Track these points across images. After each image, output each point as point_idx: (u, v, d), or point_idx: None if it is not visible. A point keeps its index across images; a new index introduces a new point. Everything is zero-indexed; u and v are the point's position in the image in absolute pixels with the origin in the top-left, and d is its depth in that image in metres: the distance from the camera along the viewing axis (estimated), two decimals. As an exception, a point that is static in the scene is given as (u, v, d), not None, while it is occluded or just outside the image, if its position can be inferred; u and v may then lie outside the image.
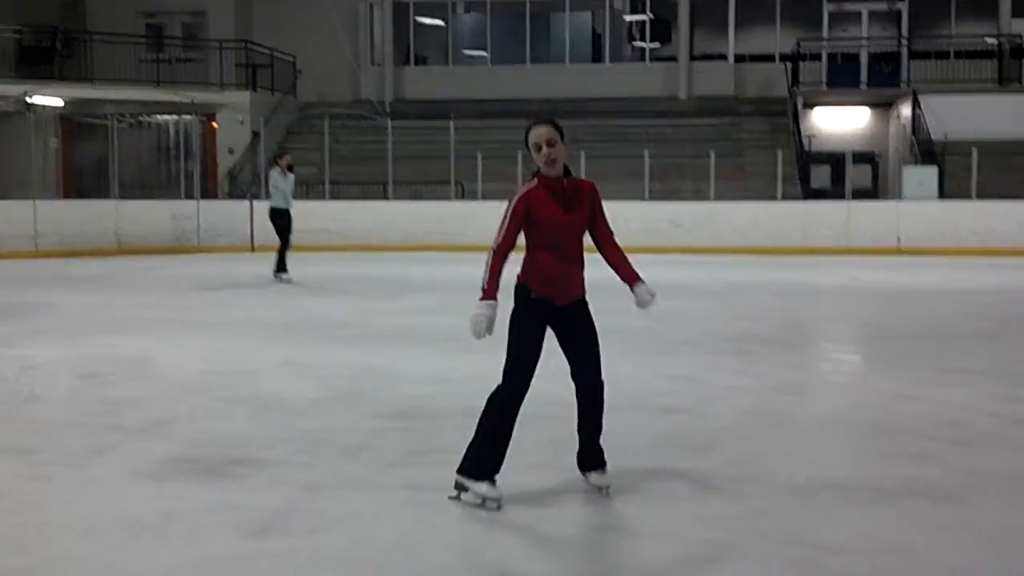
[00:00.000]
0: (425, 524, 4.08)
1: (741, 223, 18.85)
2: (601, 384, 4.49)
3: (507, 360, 4.38)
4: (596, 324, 4.46)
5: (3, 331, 9.40)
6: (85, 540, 3.92)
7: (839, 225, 18.65)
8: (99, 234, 18.51)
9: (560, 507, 4.31)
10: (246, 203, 19.65)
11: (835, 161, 22.97)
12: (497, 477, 4.33)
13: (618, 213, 17.43)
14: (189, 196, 20.35)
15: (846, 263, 16.59)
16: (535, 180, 4.36)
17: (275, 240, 13.75)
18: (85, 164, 23.55)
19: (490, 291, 4.29)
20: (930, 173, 19.90)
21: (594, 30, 26.99)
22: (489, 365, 7.46)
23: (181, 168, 21.88)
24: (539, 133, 4.32)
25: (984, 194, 18.58)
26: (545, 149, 4.29)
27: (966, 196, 18.75)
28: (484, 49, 26.99)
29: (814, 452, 5.24)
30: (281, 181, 13.48)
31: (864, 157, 23.94)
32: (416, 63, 27.30)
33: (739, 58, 25.67)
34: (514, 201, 4.36)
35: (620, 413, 5.97)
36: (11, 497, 4.45)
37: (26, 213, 17.98)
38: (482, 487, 4.28)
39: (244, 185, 21.81)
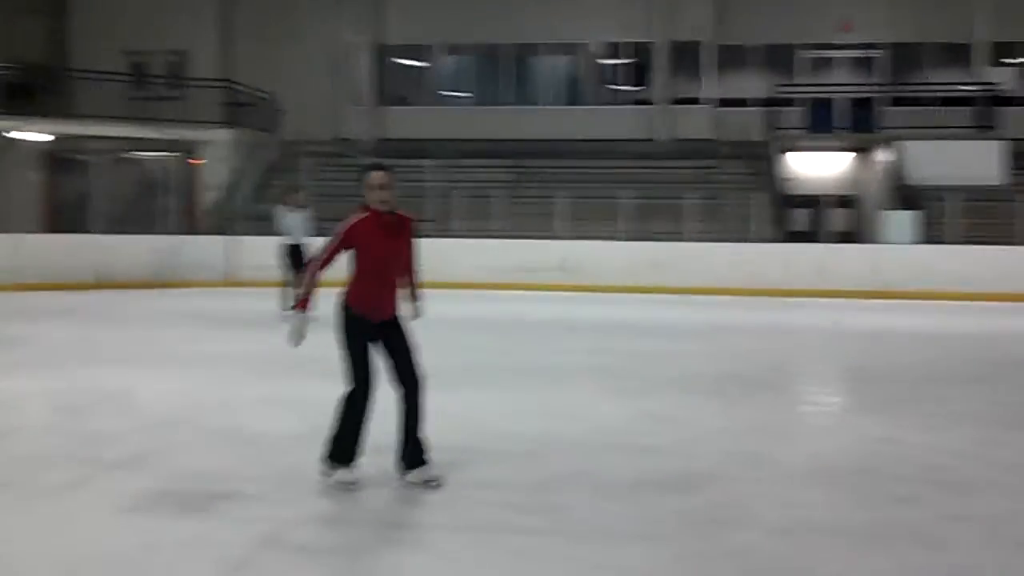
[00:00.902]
0: (403, 560, 4.07)
1: (720, 264, 18.97)
2: (420, 387, 5.06)
3: (346, 367, 5.00)
4: (411, 340, 5.09)
5: (-22, 364, 9.31)
6: (63, 573, 3.87)
7: (818, 268, 18.80)
8: (79, 268, 18.44)
9: (539, 545, 4.29)
10: (225, 239, 19.65)
11: (813, 205, 23.19)
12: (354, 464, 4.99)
13: (596, 252, 17.53)
14: (169, 232, 20.34)
15: (826, 305, 16.69)
16: (366, 213, 5.00)
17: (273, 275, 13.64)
18: (67, 199, 23.51)
19: (301, 303, 5.01)
20: (909, 218, 20.12)
21: (572, 73, 27.32)
22: (464, 400, 7.51)
23: (163, 204, 21.86)
24: (378, 177, 5.03)
25: (961, 239, 18.80)
26: (381, 191, 4.99)
27: (944, 241, 18.98)
28: (466, 90, 27.22)
29: (795, 495, 5.22)
30: (287, 217, 13.53)
31: (843, 201, 24.19)
32: (398, 103, 27.47)
33: (718, 102, 25.98)
34: (342, 227, 5.00)
35: (601, 452, 5.99)
36: (-13, 531, 4.40)
37: (7, 246, 17.93)
38: (343, 472, 4.99)
39: (224, 221, 21.79)
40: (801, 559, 4.18)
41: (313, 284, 4.99)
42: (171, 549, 4.14)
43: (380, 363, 5.06)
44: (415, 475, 5.07)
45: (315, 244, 13.20)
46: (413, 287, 5.32)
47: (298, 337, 4.98)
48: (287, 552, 4.15)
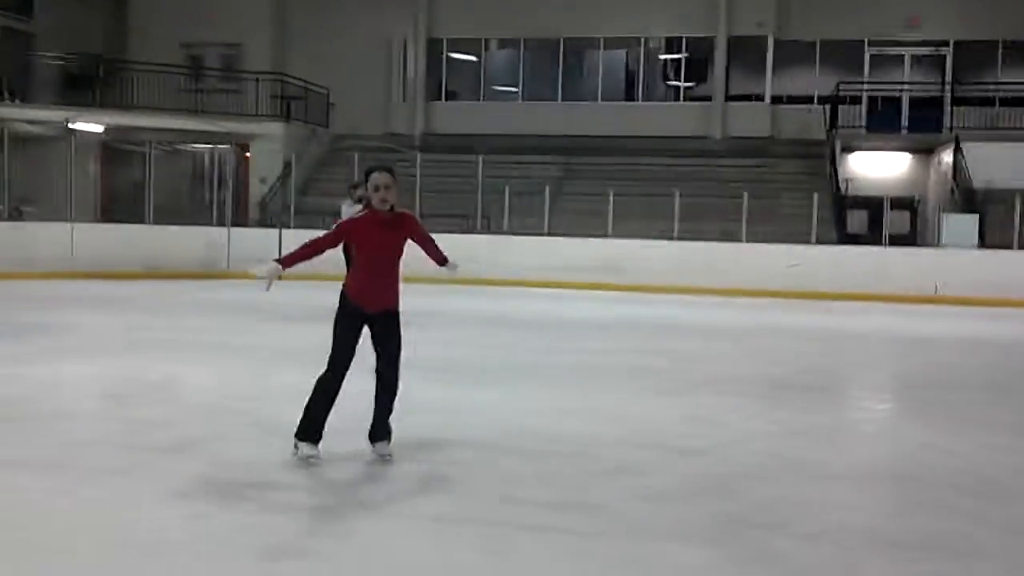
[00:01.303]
0: (441, 551, 4.07)
1: (772, 266, 18.69)
2: (396, 378, 5.49)
3: (331, 350, 5.38)
4: (398, 338, 5.53)
5: (33, 349, 9.49)
6: (109, 557, 3.93)
7: (875, 271, 18.44)
8: (132, 257, 18.74)
9: (576, 544, 4.25)
10: (275, 232, 19.81)
11: (872, 206, 22.76)
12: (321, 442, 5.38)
13: (645, 252, 17.36)
14: (220, 223, 20.56)
15: (880, 310, 16.38)
16: (366, 212, 5.35)
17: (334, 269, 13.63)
18: (122, 189, 23.91)
19: (285, 260, 5.33)
20: (970, 221, 19.64)
21: (628, 68, 27.05)
22: (502, 400, 7.48)
23: (214, 195, 22.12)
24: (380, 178, 5.26)
25: (1024, 244, 18.32)
26: (382, 192, 5.25)
27: (1007, 246, 18.48)
28: (516, 85, 27.15)
29: (836, 500, 5.14)
30: (348, 211, 13.52)
31: (903, 203, 23.71)
32: (448, 98, 27.49)
33: (776, 99, 25.57)
34: (342, 222, 5.55)
35: (642, 453, 5.92)
36: (37, 514, 4.47)
37: (63, 235, 18.28)
38: (306, 447, 5.35)
39: (274, 214, 21.98)
40: (839, 566, 4.10)
41: (304, 256, 5.34)
42: (215, 535, 4.18)
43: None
44: (377, 448, 5.51)
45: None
46: (441, 256, 5.97)
47: (267, 282, 5.33)
48: (326, 540, 4.16)
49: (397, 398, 5.55)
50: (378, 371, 5.48)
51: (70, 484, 4.93)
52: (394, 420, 6.18)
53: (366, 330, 5.44)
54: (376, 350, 5.46)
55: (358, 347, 5.43)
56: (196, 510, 4.52)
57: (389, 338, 5.47)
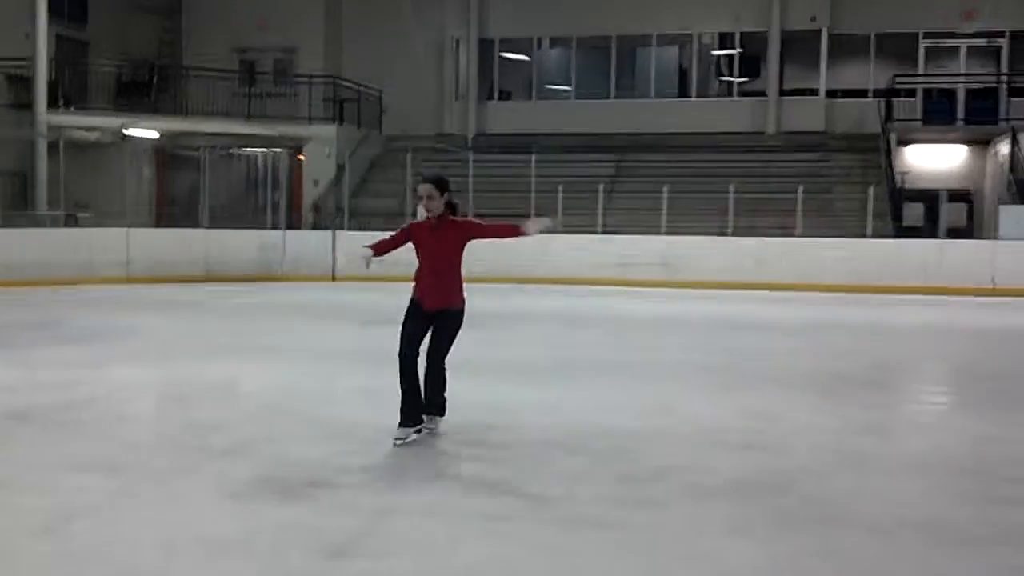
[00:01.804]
0: (497, 550, 4.09)
1: (827, 260, 18.49)
2: (436, 368, 5.97)
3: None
4: (449, 334, 6.01)
5: (95, 352, 9.70)
6: (169, 556, 4.01)
7: (932, 263, 18.17)
8: (189, 261, 19.00)
9: (632, 539, 4.26)
10: (329, 234, 20.01)
11: (928, 199, 22.41)
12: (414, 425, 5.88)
13: (699, 248, 17.33)
14: (275, 226, 20.79)
15: (938, 303, 16.14)
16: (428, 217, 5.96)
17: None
18: (177, 194, 24.28)
19: (375, 247, 6.12)
20: (1028, 213, 19.29)
21: (680, 65, 26.88)
22: (561, 395, 7.51)
23: (268, 199, 22.38)
24: (421, 189, 5.92)
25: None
26: (424, 201, 5.89)
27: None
28: (568, 84, 27.11)
29: (896, 492, 5.10)
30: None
31: (959, 195, 23.30)
32: (500, 98, 27.54)
33: (830, 93, 25.27)
34: (410, 223, 6.29)
35: (697, 447, 5.92)
36: (100, 512, 4.58)
37: (120, 240, 18.57)
38: (397, 431, 5.84)
39: (328, 216, 22.20)
40: (899, 559, 4.07)
41: (385, 245, 6.14)
42: (272, 534, 4.23)
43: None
44: (424, 421, 6.00)
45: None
46: (510, 228, 6.11)
47: (365, 261, 6.12)
48: (383, 541, 4.20)
49: (448, 391, 6.06)
50: (427, 359, 5.98)
51: (132, 485, 5.03)
52: (451, 417, 6.27)
53: None
54: (429, 340, 5.97)
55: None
56: (254, 509, 4.59)
57: (440, 333, 5.96)
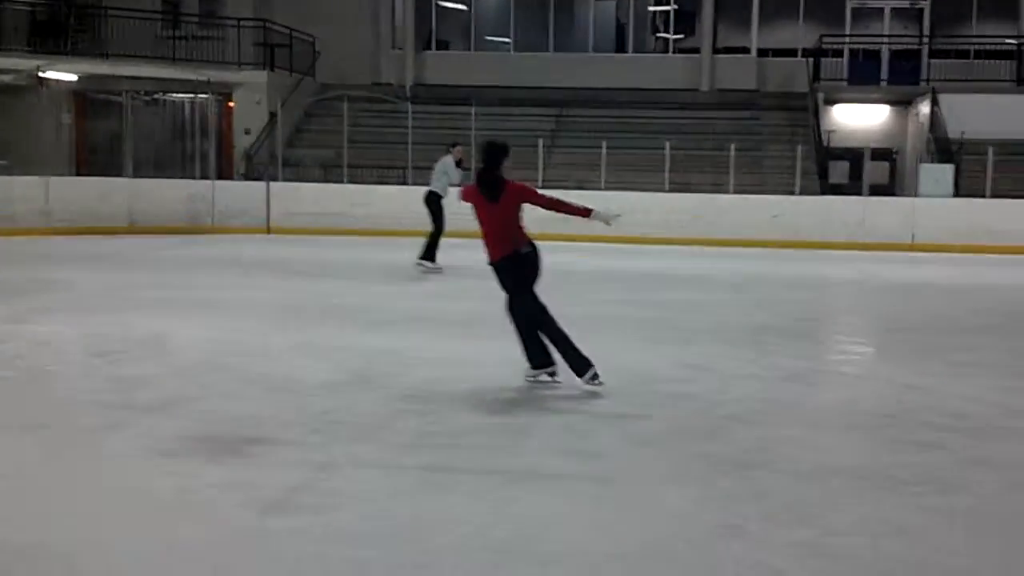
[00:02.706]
0: (438, 503, 4.11)
1: (758, 216, 18.77)
2: (518, 315, 6.31)
3: None
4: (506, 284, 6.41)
5: (17, 307, 9.41)
6: (98, 514, 3.96)
7: (855, 220, 18.58)
8: (112, 212, 18.44)
9: (571, 488, 4.33)
10: (262, 184, 19.66)
11: (853, 157, 22.86)
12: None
13: (637, 204, 17.49)
14: (204, 176, 20.31)
15: (861, 258, 16.53)
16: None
17: (420, 225, 13.29)
18: (99, 141, 23.43)
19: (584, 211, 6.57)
20: (946, 171, 19.80)
21: (618, 20, 26.86)
22: (501, 348, 7.52)
23: (196, 147, 21.84)
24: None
25: (998, 193, 18.50)
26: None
27: (981, 195, 18.68)
28: (507, 36, 26.89)
29: (822, 439, 5.29)
30: (452, 168, 13.05)
31: (882, 154, 23.81)
32: (438, 48, 27.21)
33: (762, 52, 25.52)
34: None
35: (634, 398, 6.02)
36: (23, 473, 4.49)
37: (38, 189, 17.88)
38: (531, 373, 6.25)
39: (260, 166, 21.79)
40: (825, 501, 4.23)
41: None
42: (204, 492, 4.19)
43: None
44: (527, 373, 6.24)
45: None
46: (569, 207, 6.51)
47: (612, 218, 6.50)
48: (321, 496, 4.19)
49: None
50: None
51: (59, 443, 4.94)
52: (390, 371, 6.27)
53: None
54: None
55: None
56: (187, 467, 4.53)
57: (504, 287, 6.35)
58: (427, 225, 13.03)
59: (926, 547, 3.72)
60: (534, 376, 6.21)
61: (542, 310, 6.20)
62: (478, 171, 6.36)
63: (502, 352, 7.45)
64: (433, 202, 13.03)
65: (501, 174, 6.25)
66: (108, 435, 5.08)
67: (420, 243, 13.02)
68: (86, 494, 4.20)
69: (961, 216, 18.37)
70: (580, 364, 6.04)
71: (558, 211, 6.46)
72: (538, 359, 6.19)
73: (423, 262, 12.87)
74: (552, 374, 6.18)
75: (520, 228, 6.29)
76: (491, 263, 6.32)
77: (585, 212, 6.45)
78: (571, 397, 5.95)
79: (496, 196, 6.19)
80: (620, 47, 26.62)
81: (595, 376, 6.01)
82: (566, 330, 6.15)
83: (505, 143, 6.41)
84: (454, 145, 13.45)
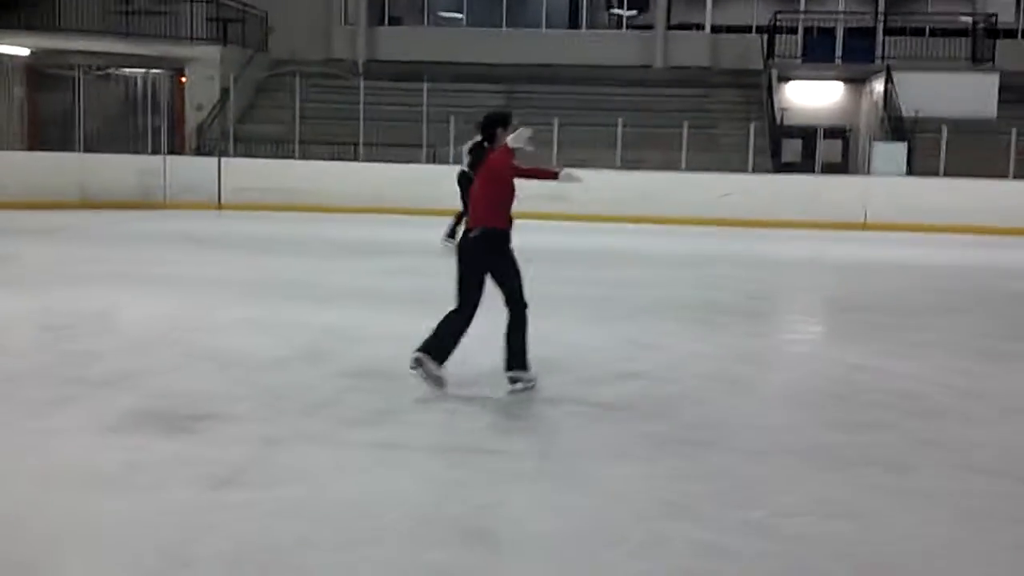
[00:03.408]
0: (385, 480, 4.12)
1: (709, 195, 18.91)
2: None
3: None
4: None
5: (-36, 281, 9.31)
6: (45, 489, 3.93)
7: (808, 198, 18.76)
8: (63, 187, 18.25)
9: (519, 466, 4.36)
10: (214, 160, 19.47)
11: (807, 135, 23.08)
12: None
13: (588, 182, 17.42)
14: (156, 151, 20.11)
15: (813, 236, 16.71)
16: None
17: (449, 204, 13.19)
18: (51, 115, 23.13)
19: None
20: (899, 149, 20.03)
21: (570, -4, 26.83)
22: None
23: (148, 123, 21.58)
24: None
25: (952, 172, 18.75)
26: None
27: (934, 173, 18.93)
28: (460, 11, 26.75)
29: (771, 418, 5.33)
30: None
31: (835, 132, 24.07)
32: (390, 23, 27.01)
33: (715, 28, 25.60)
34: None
35: (581, 376, 6.06)
36: (-30, 445, 4.44)
37: (-12, 163, 17.72)
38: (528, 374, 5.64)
39: (212, 142, 21.56)
40: (774, 480, 4.27)
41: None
42: (155, 467, 4.18)
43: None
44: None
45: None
46: (541, 173, 6.23)
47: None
48: (269, 471, 4.20)
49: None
50: None
51: (5, 417, 4.90)
52: (337, 347, 6.27)
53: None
54: None
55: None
56: (134, 441, 4.52)
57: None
58: (444, 204, 12.81)
59: (876, 527, 3.76)
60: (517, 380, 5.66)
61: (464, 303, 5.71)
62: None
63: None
64: (466, 183, 12.87)
65: (486, 144, 5.87)
66: (57, 409, 5.04)
67: (367, 219, 12.95)
68: (34, 467, 4.17)
69: (914, 195, 18.61)
70: (439, 353, 5.50)
71: (529, 178, 6.12)
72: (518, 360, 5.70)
73: (449, 241, 12.74)
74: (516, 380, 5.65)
75: (485, 206, 5.67)
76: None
77: (554, 175, 6.25)
78: (514, 378, 5.97)
79: (477, 168, 5.95)
80: (574, 23, 26.60)
81: (418, 364, 5.43)
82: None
83: (502, 112, 5.94)
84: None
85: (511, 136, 5.60)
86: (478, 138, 12.75)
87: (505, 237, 5.67)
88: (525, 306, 5.70)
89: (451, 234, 12.89)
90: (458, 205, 12.80)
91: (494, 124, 5.77)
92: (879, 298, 10.15)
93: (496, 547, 3.49)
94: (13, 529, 3.54)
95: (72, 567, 3.30)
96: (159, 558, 3.31)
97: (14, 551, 3.36)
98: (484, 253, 5.63)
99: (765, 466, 4.45)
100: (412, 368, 5.42)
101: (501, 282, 5.68)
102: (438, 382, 5.42)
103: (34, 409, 5.05)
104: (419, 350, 5.44)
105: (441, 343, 5.50)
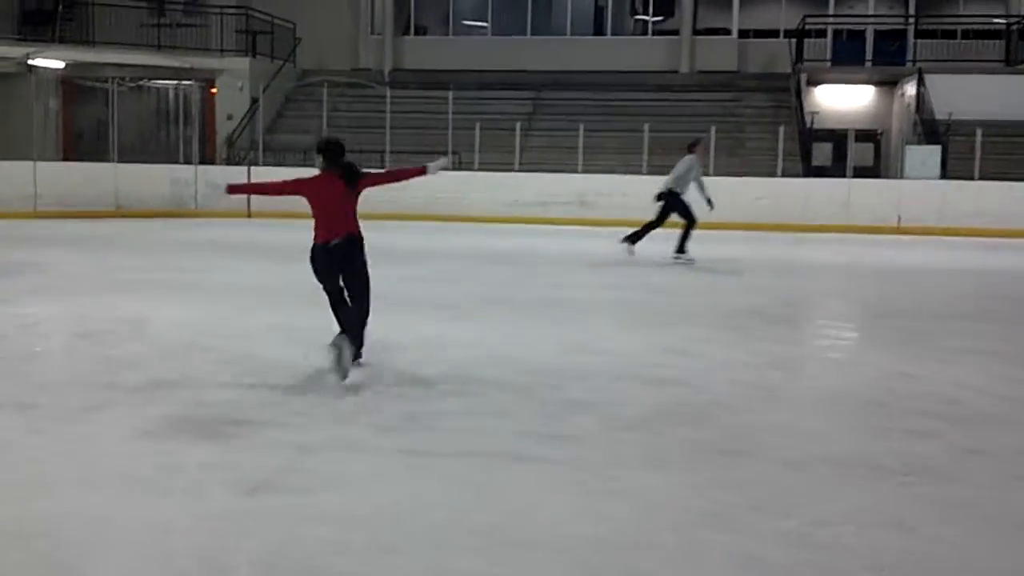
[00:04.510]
0: (418, 486, 4.10)
1: (740, 199, 18.79)
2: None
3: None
4: None
5: (3, 289, 9.43)
6: (83, 494, 3.95)
7: (840, 203, 18.61)
8: (98, 196, 18.51)
9: (552, 473, 4.33)
10: (243, 169, 19.61)
11: (837, 139, 22.91)
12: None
13: (615, 187, 17.52)
14: (188, 161, 20.31)
15: (846, 241, 16.57)
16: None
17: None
18: (85, 127, 23.48)
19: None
20: (933, 153, 19.83)
21: (596, 2, 26.79)
22: (481, 332, 7.55)
23: (180, 133, 21.81)
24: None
25: (986, 175, 18.53)
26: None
27: (968, 177, 18.70)
28: (485, 20, 26.81)
29: (809, 427, 5.23)
30: (697, 167, 12.99)
31: (867, 136, 23.86)
32: (416, 33, 27.12)
33: (743, 33, 25.49)
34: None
35: (614, 383, 6.01)
36: (10, 451, 4.48)
37: (26, 174, 18.02)
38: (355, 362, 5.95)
39: (242, 151, 21.74)
40: (811, 490, 4.19)
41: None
42: (190, 472, 4.19)
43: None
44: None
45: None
46: (407, 172, 6.60)
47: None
48: (303, 477, 4.20)
49: (369, 327, 6.28)
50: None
51: (44, 423, 4.93)
52: (373, 354, 6.28)
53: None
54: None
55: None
56: (170, 448, 4.53)
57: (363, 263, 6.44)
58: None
59: (917, 538, 3.66)
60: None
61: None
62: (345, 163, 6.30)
63: (483, 335, 7.49)
64: (676, 201, 12.86)
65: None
66: (94, 415, 5.07)
67: (393, 227, 13.02)
68: (73, 471, 4.20)
69: (948, 199, 18.41)
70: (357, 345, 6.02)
71: (397, 181, 6.61)
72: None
73: (679, 255, 12.85)
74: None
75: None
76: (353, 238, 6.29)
77: (421, 170, 6.49)
78: (551, 385, 5.94)
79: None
80: (599, 30, 26.57)
81: (337, 352, 5.70)
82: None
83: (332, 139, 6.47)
84: (696, 143, 13.36)
85: (432, 164, 6.43)
86: (687, 157, 12.76)
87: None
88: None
89: (681, 249, 12.90)
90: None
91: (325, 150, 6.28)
92: (916, 303, 10.03)
93: (530, 554, 3.46)
94: (53, 531, 3.56)
95: (109, 569, 3.31)
96: (194, 562, 3.31)
97: (54, 553, 3.38)
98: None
99: (802, 475, 4.37)
100: (331, 350, 5.69)
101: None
102: (344, 373, 5.66)
103: (72, 415, 5.08)
104: (342, 336, 5.80)
105: (358, 337, 6.02)
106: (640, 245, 12.99)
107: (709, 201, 12.96)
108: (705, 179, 13.36)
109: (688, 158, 13.02)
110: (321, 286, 6.26)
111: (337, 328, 6.02)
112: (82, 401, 5.35)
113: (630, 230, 13.14)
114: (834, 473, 4.40)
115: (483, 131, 20.04)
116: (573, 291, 10.21)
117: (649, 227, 13.06)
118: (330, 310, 6.25)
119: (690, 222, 12.90)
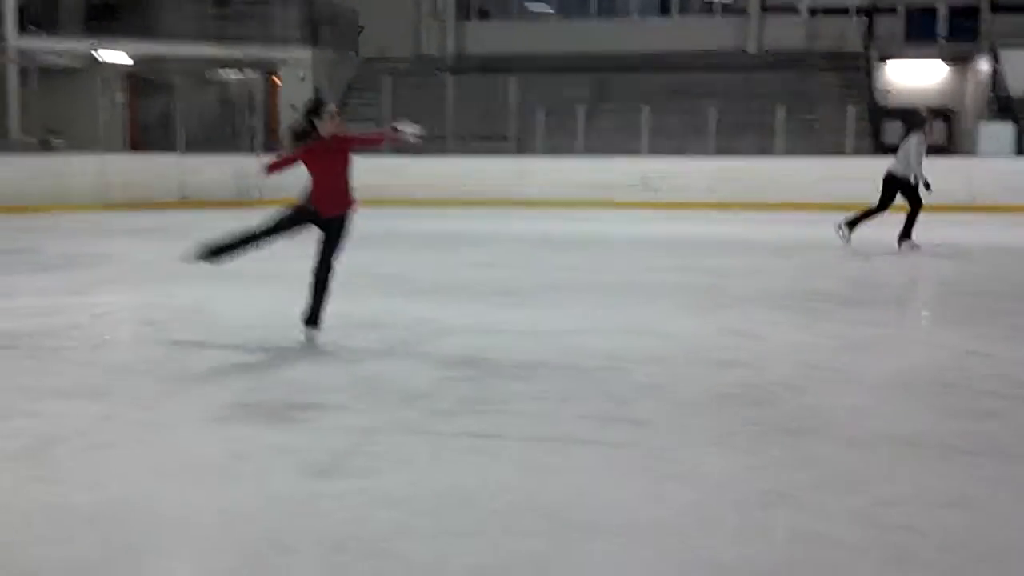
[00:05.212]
0: (481, 470, 4.10)
1: (810, 179, 18.50)
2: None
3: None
4: None
5: (75, 279, 9.65)
6: (156, 479, 4.02)
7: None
8: (163, 187, 18.84)
9: (616, 456, 4.30)
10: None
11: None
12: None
13: (681, 169, 17.32)
14: (252, 152, 20.57)
15: (918, 219, 16.19)
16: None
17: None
18: (150, 119, 23.91)
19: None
20: (1007, 129, 19.31)
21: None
22: (545, 316, 7.53)
23: (244, 124, 22.09)
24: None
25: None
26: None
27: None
28: (548, 3, 26.68)
29: (877, 407, 5.14)
30: (922, 144, 12.60)
31: (939, 113, 23.28)
32: (479, 17, 27.09)
33: (812, 11, 25.03)
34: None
35: (681, 366, 5.96)
36: (85, 437, 4.56)
37: (94, 166, 18.37)
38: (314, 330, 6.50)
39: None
40: (877, 469, 4.12)
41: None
42: (259, 456, 4.24)
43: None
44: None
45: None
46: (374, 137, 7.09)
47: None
48: (368, 460, 4.22)
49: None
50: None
51: (116, 410, 5.02)
52: (436, 337, 6.28)
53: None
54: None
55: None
56: (238, 432, 4.60)
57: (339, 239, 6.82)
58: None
59: (985, 518, 3.58)
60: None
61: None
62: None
63: (547, 320, 7.48)
64: (907, 186, 12.69)
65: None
66: (165, 402, 5.17)
67: (456, 212, 13.03)
68: (143, 457, 4.27)
69: (1022, 176, 17.92)
70: (221, 249, 6.82)
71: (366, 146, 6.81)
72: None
73: (905, 241, 12.65)
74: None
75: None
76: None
77: (391, 132, 6.65)
78: (612, 367, 5.91)
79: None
80: (664, 10, 26.29)
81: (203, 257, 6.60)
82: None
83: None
84: (922, 120, 12.89)
85: (403, 123, 6.51)
86: (914, 136, 12.08)
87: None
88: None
89: (906, 235, 12.58)
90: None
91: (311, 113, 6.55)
92: (989, 282, 9.79)
93: (593, 536, 3.43)
94: (123, 515, 3.62)
95: (178, 552, 3.37)
96: (263, 544, 3.34)
97: (124, 537, 3.43)
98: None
99: (869, 454, 4.29)
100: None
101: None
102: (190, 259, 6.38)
103: (142, 401, 5.18)
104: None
105: (230, 244, 6.70)
106: (702, 228, 12.84)
107: (927, 184, 12.49)
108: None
109: (912, 138, 12.55)
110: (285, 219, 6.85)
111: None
112: (153, 388, 5.45)
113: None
114: (901, 452, 4.33)
115: (547, 115, 19.96)
116: (637, 274, 10.14)
117: (870, 213, 12.68)
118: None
119: (916, 206, 12.48)
